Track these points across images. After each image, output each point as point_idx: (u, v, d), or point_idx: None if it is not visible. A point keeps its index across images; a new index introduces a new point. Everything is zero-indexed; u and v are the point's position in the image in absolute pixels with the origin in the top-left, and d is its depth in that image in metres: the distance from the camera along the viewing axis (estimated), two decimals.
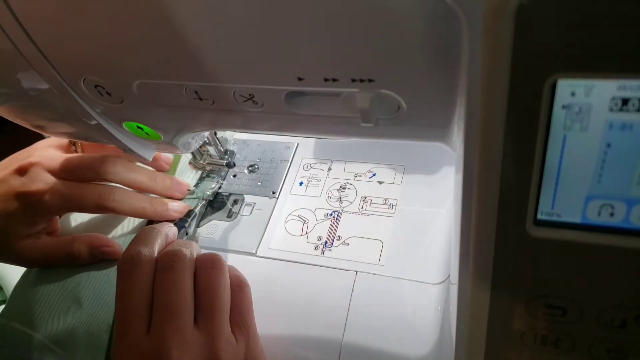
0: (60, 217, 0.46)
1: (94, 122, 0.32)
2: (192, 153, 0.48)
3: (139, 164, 0.44)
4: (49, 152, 0.43)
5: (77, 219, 0.49)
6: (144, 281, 0.33)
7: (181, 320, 0.32)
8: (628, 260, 0.21)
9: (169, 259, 0.34)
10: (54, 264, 0.43)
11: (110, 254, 0.42)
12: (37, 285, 0.42)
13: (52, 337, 0.40)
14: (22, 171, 0.40)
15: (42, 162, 0.41)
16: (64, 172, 0.41)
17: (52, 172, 0.41)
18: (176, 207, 0.44)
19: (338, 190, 0.46)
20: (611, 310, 0.23)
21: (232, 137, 0.50)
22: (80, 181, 0.41)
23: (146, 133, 0.33)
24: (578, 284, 0.22)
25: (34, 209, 0.40)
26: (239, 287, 0.36)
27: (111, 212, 0.41)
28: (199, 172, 0.49)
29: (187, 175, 0.49)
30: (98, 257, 0.42)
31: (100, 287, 0.41)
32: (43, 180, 0.40)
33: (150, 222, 0.45)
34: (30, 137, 0.43)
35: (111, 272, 0.42)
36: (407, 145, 0.47)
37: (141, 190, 0.44)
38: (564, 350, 0.25)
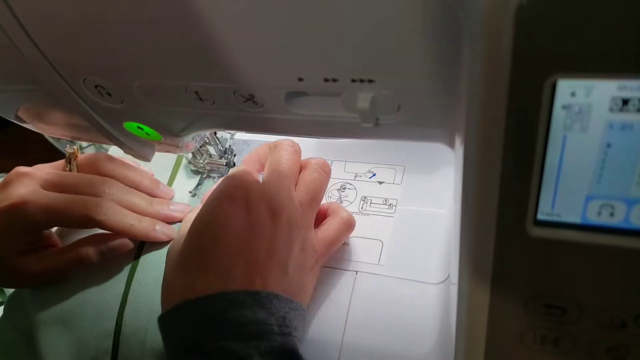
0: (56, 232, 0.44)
1: (94, 123, 0.32)
2: (192, 153, 0.48)
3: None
4: (43, 168, 0.41)
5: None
6: None
7: None
8: (628, 260, 0.21)
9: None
10: (62, 275, 0.41)
11: (119, 247, 0.41)
12: None
13: (61, 310, 0.40)
14: (6, 184, 0.38)
15: (31, 173, 0.39)
16: (59, 188, 0.39)
17: (45, 186, 0.39)
18: (161, 229, 0.42)
19: (338, 190, 0.46)
20: (611, 310, 0.23)
21: (232, 137, 0.50)
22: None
23: (147, 133, 0.33)
24: (577, 284, 0.22)
25: (16, 223, 0.37)
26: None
27: (98, 225, 0.39)
28: (197, 177, 0.49)
29: (185, 179, 0.49)
30: (107, 255, 0.40)
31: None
32: (24, 192, 0.37)
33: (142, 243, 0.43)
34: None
35: None
36: (407, 145, 0.47)
37: (137, 213, 0.42)
38: (563, 350, 0.25)
